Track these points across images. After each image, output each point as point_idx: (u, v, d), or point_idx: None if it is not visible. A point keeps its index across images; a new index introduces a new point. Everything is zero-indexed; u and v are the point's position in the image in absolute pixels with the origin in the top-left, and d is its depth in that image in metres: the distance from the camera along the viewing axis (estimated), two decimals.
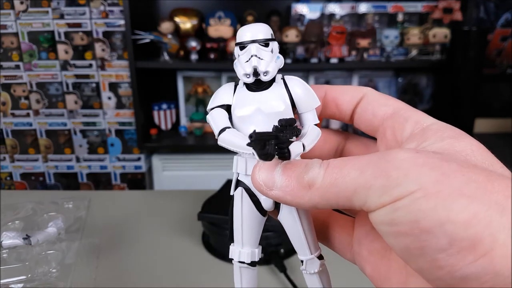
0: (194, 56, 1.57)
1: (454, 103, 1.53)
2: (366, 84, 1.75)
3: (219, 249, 0.66)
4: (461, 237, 0.15)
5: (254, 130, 0.19)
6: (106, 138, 1.73)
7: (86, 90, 1.68)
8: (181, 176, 1.74)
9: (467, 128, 1.54)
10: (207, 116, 0.24)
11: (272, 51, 0.23)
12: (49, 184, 1.79)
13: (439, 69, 1.65)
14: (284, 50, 1.60)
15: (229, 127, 0.23)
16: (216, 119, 0.23)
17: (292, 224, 0.23)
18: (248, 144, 0.19)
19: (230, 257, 0.25)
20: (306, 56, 1.58)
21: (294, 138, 0.21)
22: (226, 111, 0.23)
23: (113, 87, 1.67)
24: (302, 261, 0.24)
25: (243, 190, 0.24)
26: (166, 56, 1.57)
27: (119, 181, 1.79)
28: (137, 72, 1.57)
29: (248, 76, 0.22)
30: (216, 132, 0.23)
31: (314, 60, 1.58)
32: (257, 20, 1.60)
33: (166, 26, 1.54)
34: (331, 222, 0.26)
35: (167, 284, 0.59)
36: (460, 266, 0.15)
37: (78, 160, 1.76)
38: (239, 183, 0.24)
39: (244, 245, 0.24)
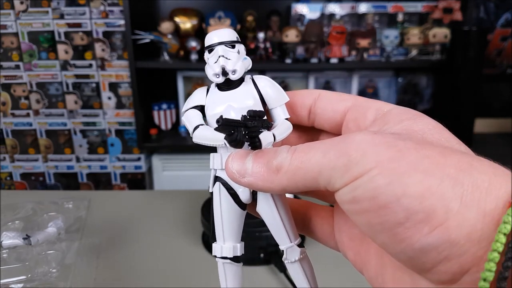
0: (194, 56, 1.57)
1: (454, 103, 1.53)
2: (366, 84, 1.75)
3: None
4: (416, 209, 0.16)
5: (221, 116, 0.20)
6: (106, 138, 1.73)
7: (86, 90, 1.68)
8: (181, 176, 1.74)
9: (467, 128, 1.54)
10: (182, 118, 0.25)
11: (238, 52, 0.24)
12: (49, 184, 1.79)
13: (439, 69, 1.65)
14: (284, 50, 1.60)
15: (202, 124, 0.24)
16: (190, 119, 0.24)
17: (269, 213, 0.24)
18: (216, 129, 0.20)
19: (213, 254, 0.25)
20: (306, 56, 1.58)
21: (266, 130, 0.22)
22: (201, 112, 0.25)
23: (113, 87, 1.67)
24: (282, 251, 0.25)
25: (221, 185, 0.24)
26: (166, 56, 1.57)
27: (119, 181, 1.79)
28: (137, 72, 1.57)
29: (217, 76, 0.23)
30: (190, 131, 0.24)
31: (314, 60, 1.58)
32: (257, 20, 1.61)
33: (166, 26, 1.54)
34: (312, 214, 0.27)
35: (167, 284, 0.59)
36: (418, 238, 0.16)
37: (78, 160, 1.76)
38: (217, 179, 0.24)
39: (226, 240, 0.25)
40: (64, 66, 1.64)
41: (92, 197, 0.78)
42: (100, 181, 1.79)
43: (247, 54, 0.25)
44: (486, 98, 1.76)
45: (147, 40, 1.53)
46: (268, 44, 1.60)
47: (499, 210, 0.15)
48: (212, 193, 0.25)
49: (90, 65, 1.64)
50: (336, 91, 0.25)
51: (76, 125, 1.72)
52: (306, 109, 0.26)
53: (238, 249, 0.25)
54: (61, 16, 1.59)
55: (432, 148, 0.17)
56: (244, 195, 0.24)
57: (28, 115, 1.70)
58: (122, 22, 1.58)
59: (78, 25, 1.60)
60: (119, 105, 1.69)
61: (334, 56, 1.55)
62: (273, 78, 0.26)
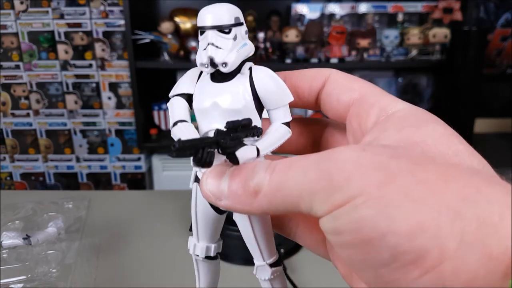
0: (194, 56, 1.56)
1: (454, 103, 1.53)
2: None
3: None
4: (404, 249, 0.13)
5: (179, 139, 0.17)
6: (106, 138, 1.73)
7: (86, 90, 1.68)
8: (181, 176, 1.73)
9: (467, 128, 1.54)
10: (168, 104, 0.22)
11: (235, 38, 0.20)
12: (49, 184, 1.79)
13: (439, 69, 1.64)
14: (284, 50, 1.60)
15: (182, 121, 0.21)
16: (172, 109, 0.21)
17: (244, 228, 0.22)
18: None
19: (188, 247, 0.24)
20: (306, 56, 1.58)
21: (255, 138, 0.20)
22: (187, 101, 0.22)
23: (113, 87, 1.67)
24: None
25: (198, 186, 0.22)
26: (166, 56, 1.57)
27: (119, 181, 1.79)
28: (137, 72, 1.57)
29: (206, 66, 0.20)
30: (170, 124, 0.21)
31: (314, 60, 1.58)
32: (257, 20, 1.60)
33: (166, 26, 1.54)
34: (301, 219, 0.24)
35: (167, 284, 0.59)
36: (406, 282, 0.13)
37: (78, 160, 1.76)
38: (196, 178, 0.23)
39: (200, 240, 0.24)
40: (64, 66, 1.64)
41: (92, 197, 0.78)
42: (100, 181, 1.79)
43: None
44: (486, 98, 1.76)
45: (147, 40, 1.53)
46: (268, 44, 1.60)
47: (510, 254, 0.12)
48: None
49: (90, 65, 1.64)
50: (347, 74, 0.21)
51: (76, 125, 1.72)
52: (314, 94, 0.22)
53: (212, 250, 0.24)
54: (61, 16, 1.59)
55: (432, 168, 0.15)
56: None
57: (28, 115, 1.70)
58: (122, 22, 1.58)
59: (78, 25, 1.60)
60: (119, 105, 1.69)
61: (334, 56, 1.55)
62: None
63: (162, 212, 0.80)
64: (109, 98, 1.68)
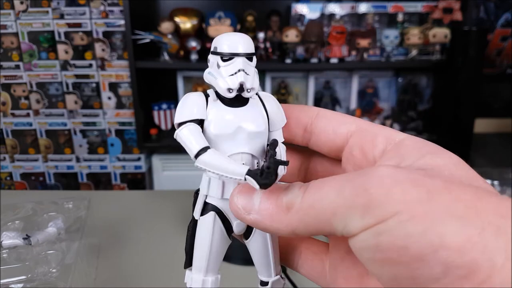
0: (194, 56, 1.57)
1: (454, 103, 1.53)
2: (366, 84, 1.75)
3: None
4: (456, 264, 0.13)
5: (274, 158, 0.18)
6: (106, 138, 1.73)
7: (86, 90, 1.68)
8: (181, 176, 1.74)
9: (467, 128, 1.54)
10: (177, 132, 0.21)
11: (254, 67, 0.21)
12: (49, 184, 1.79)
13: (439, 69, 1.64)
14: (284, 50, 1.60)
15: (209, 147, 0.20)
16: (191, 136, 0.20)
17: (261, 247, 0.22)
18: (260, 174, 0.18)
19: (188, 286, 0.23)
20: (306, 56, 1.58)
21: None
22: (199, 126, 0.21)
23: (113, 87, 1.67)
24: (263, 282, 0.23)
25: (216, 216, 0.22)
26: (166, 56, 1.57)
27: (119, 181, 1.79)
28: (137, 72, 1.57)
29: (231, 91, 0.20)
30: (193, 152, 0.20)
31: (314, 60, 1.58)
32: (257, 20, 1.60)
33: (166, 26, 1.54)
34: (303, 248, 0.24)
35: (167, 284, 0.59)
36: None
37: (78, 160, 1.76)
38: (207, 206, 0.22)
39: (208, 273, 0.22)
40: (64, 66, 1.64)
41: (92, 197, 0.78)
42: (100, 181, 1.79)
43: None
44: (486, 98, 1.76)
45: (147, 40, 1.53)
46: (268, 44, 1.60)
47: None
48: (196, 220, 0.22)
49: (90, 65, 1.64)
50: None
51: (76, 125, 1.72)
52: (301, 127, 0.23)
53: (219, 281, 0.23)
54: (61, 16, 1.59)
55: (464, 188, 0.15)
56: (239, 227, 0.22)
57: (28, 115, 1.70)
58: (122, 22, 1.58)
59: (78, 25, 1.60)
60: (119, 105, 1.69)
61: (334, 56, 1.55)
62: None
63: (162, 212, 0.80)
64: (109, 98, 1.68)
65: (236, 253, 0.61)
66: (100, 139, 1.74)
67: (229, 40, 0.21)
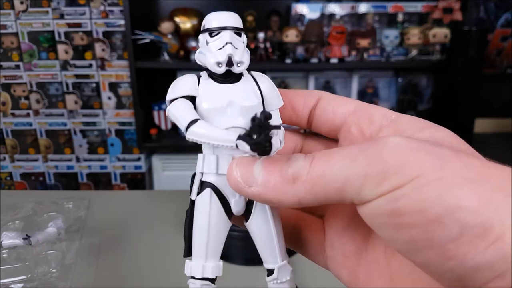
0: (194, 56, 1.56)
1: (454, 103, 1.53)
2: (366, 84, 1.75)
3: None
4: (472, 224, 0.14)
5: (263, 111, 0.18)
6: (106, 138, 1.73)
7: (86, 90, 1.68)
8: (181, 176, 1.73)
9: (467, 128, 1.54)
10: (168, 108, 0.21)
11: (243, 43, 0.21)
12: (49, 184, 1.79)
13: (439, 69, 1.65)
14: (284, 50, 1.60)
15: (199, 119, 0.20)
16: (181, 111, 0.21)
17: (264, 228, 0.21)
18: (250, 130, 0.18)
19: (188, 274, 0.21)
20: (306, 56, 1.58)
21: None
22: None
23: (113, 87, 1.67)
24: (269, 271, 0.22)
25: (212, 192, 0.21)
26: (166, 56, 1.57)
27: (119, 181, 1.79)
28: (137, 72, 1.57)
29: (220, 65, 0.20)
30: (183, 124, 0.20)
31: (314, 60, 1.58)
32: (257, 20, 1.60)
33: (166, 26, 1.54)
34: (302, 226, 0.24)
35: (167, 284, 0.59)
36: (473, 255, 0.14)
37: (78, 160, 1.76)
38: (204, 184, 0.21)
39: (208, 258, 0.21)
40: (64, 66, 1.64)
41: (92, 197, 0.78)
42: (100, 181, 1.79)
43: None
44: (486, 98, 1.76)
45: (147, 40, 1.53)
46: (268, 44, 1.60)
47: None
48: (193, 201, 0.21)
49: (90, 65, 1.64)
50: (337, 94, 0.24)
51: (76, 125, 1.72)
52: (307, 110, 0.24)
53: (220, 269, 0.22)
54: (61, 16, 1.59)
55: (471, 157, 0.16)
56: (237, 206, 0.21)
57: (28, 115, 1.70)
58: (122, 22, 1.58)
59: (78, 25, 1.60)
60: (119, 105, 1.69)
61: (334, 56, 1.55)
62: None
63: (162, 212, 0.80)
64: (109, 98, 1.68)
65: (236, 253, 0.61)
66: (100, 139, 1.74)
67: (216, 15, 0.21)
